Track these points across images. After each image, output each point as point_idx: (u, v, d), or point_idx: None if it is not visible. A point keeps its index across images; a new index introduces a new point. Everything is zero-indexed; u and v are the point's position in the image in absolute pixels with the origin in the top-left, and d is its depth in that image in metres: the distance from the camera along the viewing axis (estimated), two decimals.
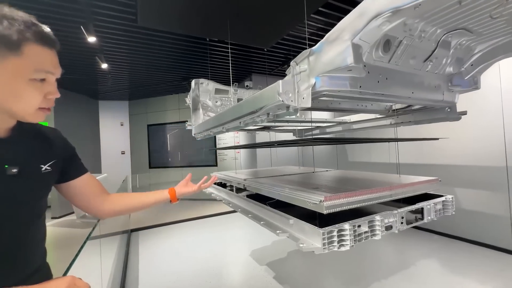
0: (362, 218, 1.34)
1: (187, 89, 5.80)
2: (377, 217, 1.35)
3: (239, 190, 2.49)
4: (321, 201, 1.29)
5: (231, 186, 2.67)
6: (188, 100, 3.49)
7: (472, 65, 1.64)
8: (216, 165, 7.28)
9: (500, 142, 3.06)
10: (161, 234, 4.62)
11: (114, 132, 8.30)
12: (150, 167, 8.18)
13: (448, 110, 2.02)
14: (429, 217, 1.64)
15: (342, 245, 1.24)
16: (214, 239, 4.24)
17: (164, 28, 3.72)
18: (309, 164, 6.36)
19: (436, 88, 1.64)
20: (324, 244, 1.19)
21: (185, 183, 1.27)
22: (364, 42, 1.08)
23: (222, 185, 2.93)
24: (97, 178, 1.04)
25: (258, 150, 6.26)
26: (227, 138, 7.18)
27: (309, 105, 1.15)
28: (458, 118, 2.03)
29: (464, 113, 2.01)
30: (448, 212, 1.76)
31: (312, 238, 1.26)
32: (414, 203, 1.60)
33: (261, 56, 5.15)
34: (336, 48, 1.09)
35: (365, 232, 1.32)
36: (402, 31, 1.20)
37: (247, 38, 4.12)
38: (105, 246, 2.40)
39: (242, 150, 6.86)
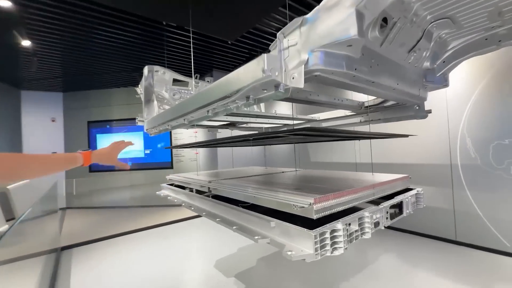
0: (351, 216, 1.19)
1: (138, 82, 5.13)
2: (366, 213, 1.22)
3: (202, 193, 2.15)
4: (310, 204, 1.08)
5: (192, 190, 2.32)
6: (140, 89, 2.99)
7: (444, 62, 1.67)
8: (172, 167, 6.66)
9: (445, 143, 3.37)
10: (102, 250, 3.91)
11: (43, 129, 6.93)
12: (90, 171, 7.05)
13: (417, 108, 2.07)
14: (407, 211, 1.60)
15: (336, 248, 1.06)
16: (170, 251, 3.75)
17: (110, 3, 3.14)
18: (272, 165, 6.28)
19: (414, 83, 1.62)
20: (316, 249, 0.99)
21: (112, 148, 1.14)
22: (367, 12, 0.91)
23: (182, 188, 2.54)
24: (11, 186, 0.65)
25: (219, 151, 5.92)
26: (184, 138, 6.65)
27: (301, 85, 0.94)
28: (425, 116, 2.09)
29: (430, 111, 2.07)
30: (421, 204, 1.77)
31: (301, 243, 1.06)
32: (387, 200, 1.53)
33: (224, 50, 4.86)
34: (336, 16, 0.90)
35: (356, 231, 1.16)
36: (398, 11, 1.08)
37: (209, 27, 3.79)
38: (18, 274, 1.81)
39: (201, 151, 6.42)
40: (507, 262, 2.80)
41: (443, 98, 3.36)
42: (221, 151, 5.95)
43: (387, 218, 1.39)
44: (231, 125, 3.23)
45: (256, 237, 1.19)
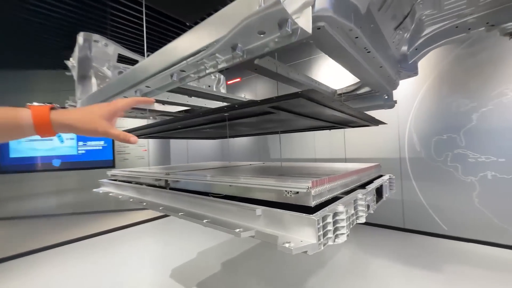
0: (347, 198, 1.04)
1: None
2: (360, 195, 1.08)
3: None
4: (308, 188, 0.88)
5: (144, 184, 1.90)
6: (72, 62, 2.37)
7: (416, 49, 1.69)
8: (114, 166, 5.76)
9: (395, 139, 3.65)
10: (25, 268, 3.03)
11: None
12: (0, 172, 5.59)
13: (386, 97, 2.10)
14: (386, 195, 1.56)
15: (338, 235, 0.88)
16: (114, 263, 3.13)
17: None
18: (231, 159, 6.00)
19: (393, 67, 1.58)
20: (319, 238, 0.81)
21: (101, 108, 0.66)
22: None
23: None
24: None
25: (173, 145, 5.37)
26: (130, 146, 5.80)
27: (309, 30, 0.72)
28: (392, 106, 2.14)
29: (396, 101, 2.12)
30: (393, 189, 1.77)
31: (298, 232, 0.86)
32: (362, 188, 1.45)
33: (180, 33, 4.38)
34: None
35: (352, 215, 1.01)
36: None
37: (166, 3, 3.33)
38: None
39: (150, 147, 5.73)
40: (445, 244, 3.15)
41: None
42: (175, 145, 5.40)
43: (374, 201, 1.30)
44: (187, 111, 2.86)
45: (238, 230, 0.93)
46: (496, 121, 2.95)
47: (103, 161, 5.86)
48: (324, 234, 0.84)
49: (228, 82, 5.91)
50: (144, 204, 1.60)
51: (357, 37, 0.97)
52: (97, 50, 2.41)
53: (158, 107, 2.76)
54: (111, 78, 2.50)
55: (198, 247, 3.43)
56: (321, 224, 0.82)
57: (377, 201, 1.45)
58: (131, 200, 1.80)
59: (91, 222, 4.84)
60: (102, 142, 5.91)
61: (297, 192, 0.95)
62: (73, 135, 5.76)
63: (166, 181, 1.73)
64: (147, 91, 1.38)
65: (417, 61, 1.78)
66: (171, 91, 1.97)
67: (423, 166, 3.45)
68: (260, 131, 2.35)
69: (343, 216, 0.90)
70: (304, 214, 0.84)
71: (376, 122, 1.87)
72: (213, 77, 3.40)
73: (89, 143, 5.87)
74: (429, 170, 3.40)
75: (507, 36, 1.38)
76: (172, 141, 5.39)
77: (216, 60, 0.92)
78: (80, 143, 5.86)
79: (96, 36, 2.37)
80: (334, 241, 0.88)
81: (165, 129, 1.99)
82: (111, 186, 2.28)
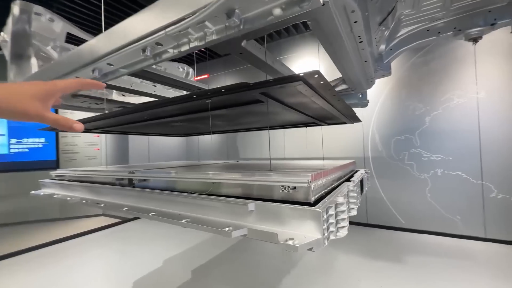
0: (341, 190, 0.99)
1: None
2: (351, 187, 1.05)
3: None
4: (308, 182, 0.79)
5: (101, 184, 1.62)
6: (3, 36, 1.92)
7: (391, 49, 1.76)
8: (58, 167, 4.99)
9: (359, 139, 3.86)
10: None
11: None
12: None
13: (360, 96, 2.16)
14: (366, 188, 1.58)
15: (339, 228, 0.81)
16: (58, 281, 2.65)
17: None
18: (195, 158, 5.70)
19: (373, 64, 1.61)
20: (324, 232, 0.73)
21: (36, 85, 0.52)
22: None
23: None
24: None
25: (132, 144, 4.87)
26: (79, 144, 5.10)
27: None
28: (366, 104, 2.21)
29: (368, 101, 2.20)
30: (369, 183, 1.82)
31: (299, 227, 0.77)
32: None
33: None
34: None
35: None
36: None
37: None
38: None
39: (105, 146, 5.11)
40: (404, 236, 3.41)
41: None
42: (134, 144, 4.91)
43: (359, 194, 1.29)
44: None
45: (227, 229, 0.80)
46: (444, 124, 3.31)
47: (44, 162, 5.03)
48: (327, 228, 0.76)
49: (195, 78, 5.62)
50: (102, 205, 1.33)
51: (356, 22, 0.92)
52: (39, 25, 2.01)
53: (118, 97, 2.42)
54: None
55: (163, 254, 3.12)
56: (325, 216, 0.74)
57: (360, 194, 1.45)
58: (83, 202, 1.50)
59: (29, 233, 4.09)
60: (43, 140, 5.07)
61: (294, 187, 0.85)
62: (4, 130, 4.82)
63: (131, 180, 1.48)
64: (108, 71, 1.14)
65: (390, 61, 1.86)
66: (137, 75, 1.72)
67: (384, 164, 3.70)
68: (239, 127, 2.21)
69: (344, 208, 0.83)
70: (306, 207, 0.75)
71: (355, 119, 1.89)
72: (181, 69, 3.15)
73: (25, 140, 4.98)
74: (389, 168, 3.66)
75: (471, 41, 1.50)
76: (131, 139, 4.89)
77: (204, 31, 0.78)
78: (13, 140, 4.93)
79: (38, 8, 1.98)
80: (336, 235, 0.80)
81: (127, 120, 1.73)
82: (56, 187, 1.91)
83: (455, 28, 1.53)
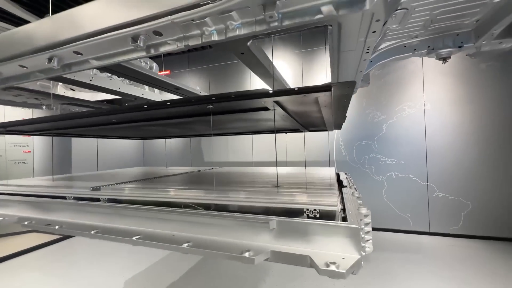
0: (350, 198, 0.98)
1: None
2: (356, 194, 1.08)
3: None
4: (336, 206, 0.74)
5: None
6: None
7: (371, 61, 1.85)
8: None
9: (325, 144, 4.04)
10: None
11: None
12: None
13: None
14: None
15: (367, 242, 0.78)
16: None
17: None
18: (154, 164, 5.22)
19: (360, 74, 1.65)
20: (361, 251, 0.67)
21: None
22: None
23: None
24: None
25: (76, 146, 4.17)
26: (0, 145, 4.15)
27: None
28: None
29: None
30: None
31: (332, 246, 0.70)
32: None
33: None
34: None
35: None
36: None
37: None
38: None
39: (38, 147, 4.28)
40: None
41: None
42: (79, 146, 4.21)
43: None
44: (117, 103, 2.22)
45: (247, 254, 0.68)
46: (398, 131, 3.70)
47: None
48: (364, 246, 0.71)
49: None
50: (58, 227, 1.03)
51: (374, 32, 0.90)
52: None
53: (67, 92, 2.00)
54: None
55: (123, 274, 2.71)
56: (364, 234, 0.68)
57: None
58: (26, 223, 1.15)
59: None
60: None
61: (325, 210, 0.77)
62: None
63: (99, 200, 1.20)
64: (73, 61, 0.89)
65: (369, 73, 1.96)
66: (108, 69, 1.41)
67: (347, 167, 3.95)
68: (226, 131, 2.05)
69: (369, 219, 0.79)
70: (339, 223, 0.69)
71: (339, 127, 1.93)
72: (143, 63, 2.81)
73: None
74: (351, 171, 3.91)
75: (442, 60, 1.66)
76: (75, 141, 4.19)
77: (226, 23, 0.64)
78: None
79: None
80: (365, 251, 0.75)
81: (87, 123, 1.41)
82: None
83: (428, 47, 1.68)
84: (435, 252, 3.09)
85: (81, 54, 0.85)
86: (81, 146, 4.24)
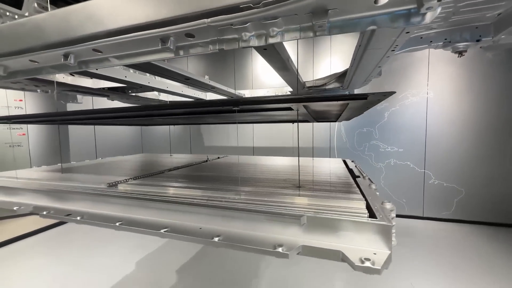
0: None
1: None
2: (373, 186, 1.11)
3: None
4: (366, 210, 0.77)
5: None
6: None
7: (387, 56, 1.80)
8: None
9: (327, 130, 4.06)
10: None
11: None
12: None
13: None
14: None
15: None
16: None
17: None
18: (154, 150, 5.19)
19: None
20: (391, 247, 0.71)
21: None
22: None
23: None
24: None
25: (73, 132, 4.08)
26: None
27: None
28: None
29: None
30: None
31: (362, 242, 0.73)
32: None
33: None
34: None
35: None
36: None
37: None
38: None
39: (33, 130, 4.16)
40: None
41: None
42: (77, 132, 4.12)
43: None
44: (120, 91, 2.14)
45: (280, 249, 0.71)
46: (400, 119, 3.72)
47: None
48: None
49: None
50: (79, 218, 1.03)
51: (408, 32, 0.87)
52: None
53: (66, 77, 1.89)
54: None
55: (133, 256, 2.79)
56: (394, 230, 0.72)
57: None
58: (44, 213, 1.14)
59: None
60: None
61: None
62: None
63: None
64: (91, 58, 0.83)
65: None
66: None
67: (347, 154, 4.01)
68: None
69: (394, 214, 0.83)
70: (371, 220, 0.72)
71: (348, 119, 1.93)
72: None
73: None
74: (351, 157, 3.97)
75: (457, 54, 1.64)
76: (72, 127, 4.08)
77: (268, 30, 0.60)
78: None
79: None
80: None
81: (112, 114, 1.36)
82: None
83: (445, 39, 1.64)
84: (425, 236, 3.27)
85: (100, 52, 0.80)
86: (79, 132, 4.14)
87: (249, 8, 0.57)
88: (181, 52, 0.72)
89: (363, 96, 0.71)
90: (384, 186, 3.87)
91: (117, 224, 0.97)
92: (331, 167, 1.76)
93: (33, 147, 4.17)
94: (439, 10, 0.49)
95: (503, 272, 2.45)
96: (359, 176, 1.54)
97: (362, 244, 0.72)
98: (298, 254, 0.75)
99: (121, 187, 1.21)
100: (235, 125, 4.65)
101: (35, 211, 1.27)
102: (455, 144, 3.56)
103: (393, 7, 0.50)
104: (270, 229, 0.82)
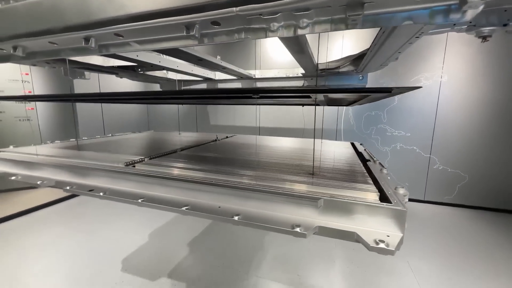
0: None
1: None
2: (385, 171, 1.13)
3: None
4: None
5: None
6: None
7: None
8: None
9: (334, 113, 4.02)
10: None
11: None
12: None
13: (361, 78, 2.15)
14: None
15: None
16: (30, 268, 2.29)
17: None
18: (160, 128, 5.23)
19: None
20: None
21: None
22: None
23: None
24: None
25: (81, 109, 4.10)
26: (2, 102, 3.99)
27: None
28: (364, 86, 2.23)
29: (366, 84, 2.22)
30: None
31: (374, 225, 0.79)
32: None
33: None
34: None
35: None
36: None
37: None
38: None
39: (40, 104, 4.19)
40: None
41: None
42: (83, 108, 4.13)
43: None
44: (130, 69, 2.12)
45: (298, 229, 0.77)
46: (410, 103, 3.66)
47: None
48: None
49: None
50: (101, 194, 1.09)
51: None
52: None
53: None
54: None
55: (144, 229, 2.96)
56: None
57: None
58: (67, 188, 1.20)
59: None
60: None
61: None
62: None
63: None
64: (112, 42, 0.82)
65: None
66: None
67: (354, 136, 4.01)
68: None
69: (407, 199, 0.87)
70: (386, 204, 0.77)
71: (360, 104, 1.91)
72: None
73: None
74: (358, 140, 3.98)
75: (481, 39, 1.57)
76: (79, 103, 4.08)
77: (299, 21, 0.59)
78: None
79: None
80: None
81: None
82: (10, 164, 1.50)
83: (470, 22, 1.56)
84: (424, 218, 3.37)
85: (122, 36, 0.79)
86: (87, 106, 4.16)
87: None
88: (205, 40, 0.71)
89: (387, 90, 0.71)
90: (388, 170, 3.92)
91: (139, 200, 1.03)
92: (341, 152, 1.79)
93: (42, 121, 4.22)
94: (481, 8, 0.47)
95: (499, 255, 2.57)
96: (369, 160, 1.56)
97: (375, 227, 0.77)
98: (314, 234, 0.80)
99: (138, 167, 1.25)
100: (242, 105, 4.62)
101: (57, 185, 1.33)
102: (463, 130, 3.52)
103: (433, 2, 0.48)
104: (287, 210, 0.88)
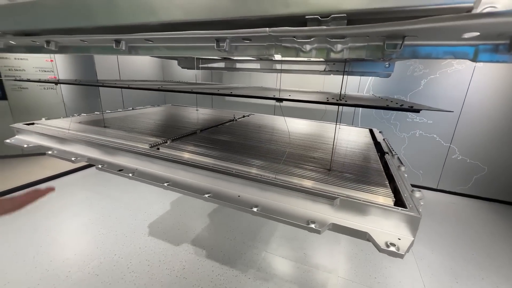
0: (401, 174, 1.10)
1: None
2: (402, 168, 1.22)
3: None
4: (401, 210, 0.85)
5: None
6: None
7: None
8: (5, 98, 4.17)
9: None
10: None
11: None
12: None
13: (387, 66, 2.06)
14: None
15: None
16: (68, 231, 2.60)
17: None
18: (175, 101, 5.29)
19: None
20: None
21: None
22: None
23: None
24: None
25: (99, 66, 4.18)
26: (26, 69, 4.07)
27: None
28: (389, 75, 2.14)
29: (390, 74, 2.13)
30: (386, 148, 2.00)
31: (386, 226, 0.82)
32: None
33: None
34: None
35: None
36: None
37: None
38: None
39: (61, 72, 4.30)
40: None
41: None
42: (101, 65, 4.22)
43: None
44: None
45: (313, 225, 0.83)
46: (437, 88, 3.47)
47: None
48: None
49: None
50: (131, 175, 1.19)
51: None
52: None
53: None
54: None
55: (163, 199, 3.20)
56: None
57: None
58: (99, 166, 1.32)
59: None
60: None
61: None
62: None
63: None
64: (142, 45, 0.84)
65: None
66: None
67: (372, 121, 3.92)
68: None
69: (422, 202, 0.91)
70: (400, 209, 0.80)
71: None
72: None
73: None
74: (375, 125, 3.91)
75: None
76: (98, 63, 4.17)
77: (334, 46, 0.58)
78: None
79: None
80: None
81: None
82: (44, 138, 1.63)
83: None
84: (434, 205, 3.40)
85: (151, 42, 0.80)
86: (103, 64, 4.23)
87: (316, 20, 0.54)
88: (235, 53, 0.72)
89: (415, 110, 0.71)
90: (403, 157, 3.88)
91: (165, 184, 1.12)
92: (359, 142, 1.80)
93: (64, 91, 4.38)
94: None
95: (508, 247, 2.62)
96: (387, 153, 1.57)
97: (388, 229, 0.80)
98: (328, 230, 0.87)
99: (162, 149, 1.34)
100: (260, 74, 4.53)
101: (89, 162, 1.46)
102: (490, 121, 3.35)
103: (481, 40, 0.47)
104: (303, 205, 0.93)
